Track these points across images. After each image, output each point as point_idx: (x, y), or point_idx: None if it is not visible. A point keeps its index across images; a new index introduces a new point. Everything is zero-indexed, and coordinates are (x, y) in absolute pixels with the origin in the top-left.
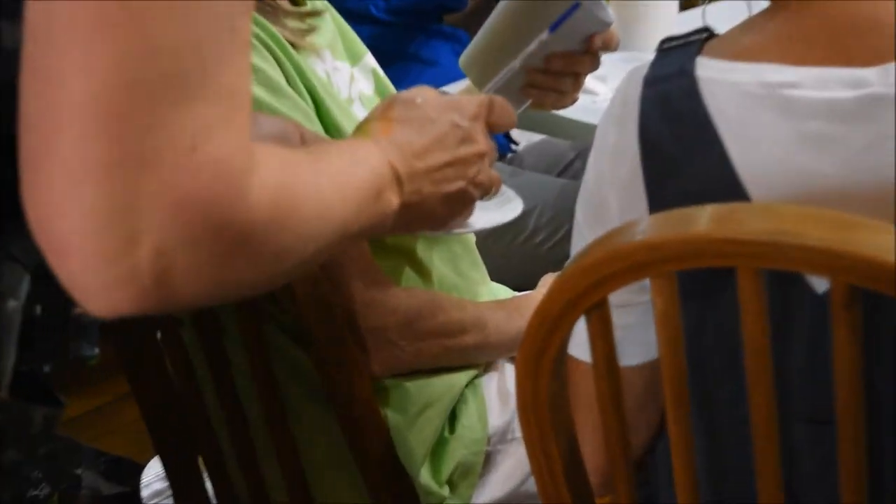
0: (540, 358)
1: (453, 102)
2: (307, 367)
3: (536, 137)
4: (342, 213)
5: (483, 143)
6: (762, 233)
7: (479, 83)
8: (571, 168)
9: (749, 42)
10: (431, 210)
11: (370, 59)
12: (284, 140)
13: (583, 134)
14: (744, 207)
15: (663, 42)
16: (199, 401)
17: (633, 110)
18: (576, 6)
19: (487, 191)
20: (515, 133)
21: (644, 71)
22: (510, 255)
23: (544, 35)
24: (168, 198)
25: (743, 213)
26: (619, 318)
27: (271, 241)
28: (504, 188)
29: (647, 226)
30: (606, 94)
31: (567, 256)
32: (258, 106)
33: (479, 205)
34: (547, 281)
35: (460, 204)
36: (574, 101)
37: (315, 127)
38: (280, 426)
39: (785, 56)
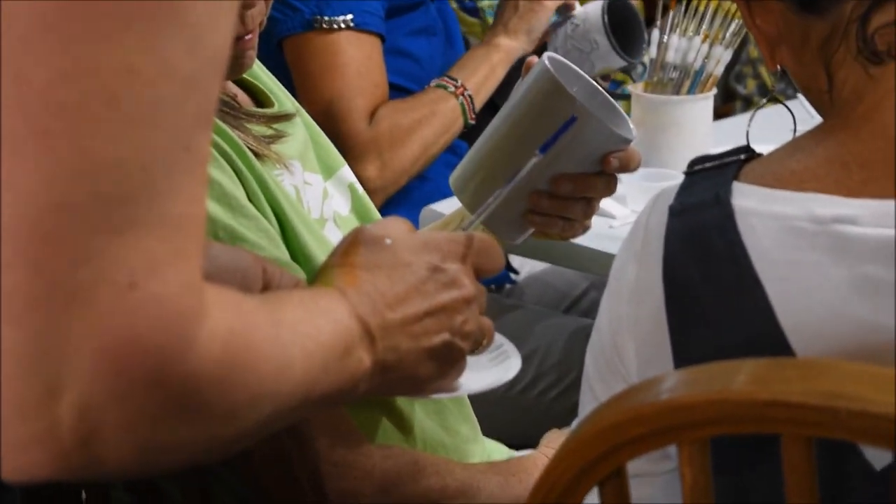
0: None
1: (430, 241)
2: None
3: (540, 265)
4: (305, 371)
5: (469, 286)
6: (814, 395)
7: (472, 207)
8: (582, 303)
9: (797, 166)
10: (413, 369)
11: (347, 173)
12: (243, 277)
13: (596, 264)
14: (791, 363)
15: (694, 163)
16: None
17: (657, 245)
18: (572, 120)
19: (479, 342)
20: (516, 260)
21: (670, 197)
22: (507, 407)
23: (536, 156)
24: (98, 342)
25: (790, 369)
26: (635, 492)
27: (219, 400)
28: (500, 339)
29: (674, 382)
30: (626, 217)
31: (575, 408)
32: (213, 227)
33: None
34: (552, 439)
35: (447, 360)
36: (585, 229)
37: (280, 253)
38: None
39: (840, 185)
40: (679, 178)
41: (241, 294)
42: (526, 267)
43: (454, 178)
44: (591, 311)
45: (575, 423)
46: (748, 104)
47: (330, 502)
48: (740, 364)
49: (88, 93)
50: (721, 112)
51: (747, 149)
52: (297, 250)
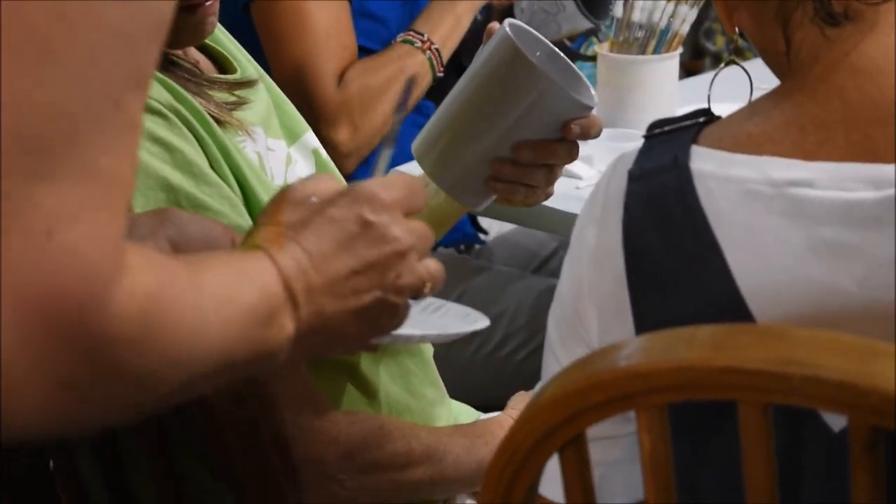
0: (505, 502)
1: (359, 194)
2: None
3: (509, 226)
4: (223, 338)
5: (403, 237)
6: (769, 362)
7: (434, 175)
8: (551, 263)
9: (754, 129)
10: (339, 331)
11: (311, 138)
12: (212, 247)
13: (563, 226)
14: (748, 330)
15: (653, 126)
16: None
17: (617, 209)
18: (545, 88)
19: (419, 291)
20: (485, 221)
21: (630, 161)
22: (475, 368)
23: (506, 123)
24: (9, 290)
25: (746, 336)
26: (600, 454)
27: (135, 361)
28: (467, 309)
29: (633, 349)
30: (592, 178)
31: None
32: (175, 195)
33: (435, 326)
34: (518, 401)
35: (380, 318)
36: (548, 196)
37: (243, 220)
38: None
39: (796, 148)
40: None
41: (164, 256)
42: (494, 228)
43: (416, 145)
44: (560, 271)
45: (537, 389)
46: (717, 60)
47: (295, 468)
48: (697, 331)
49: (18, 33)
50: (690, 68)
51: (706, 112)
52: None
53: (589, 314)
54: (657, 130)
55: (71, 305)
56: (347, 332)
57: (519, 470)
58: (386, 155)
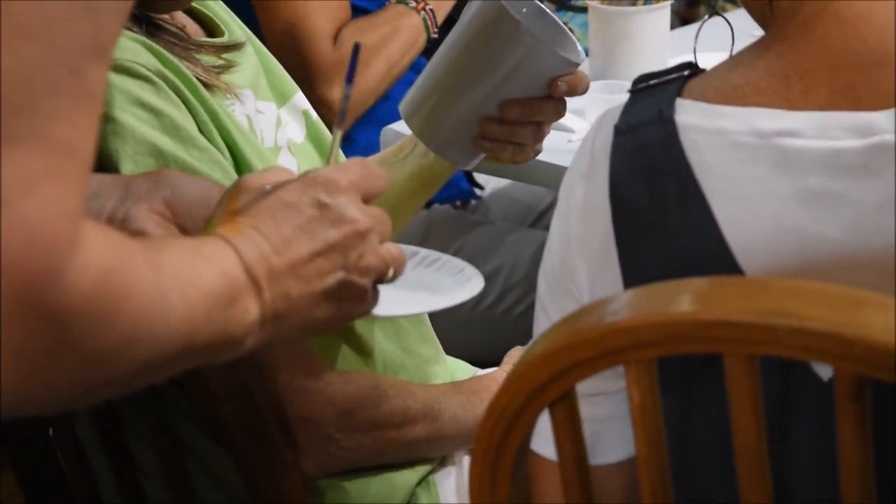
0: (497, 460)
1: (313, 178)
2: (228, 469)
3: (504, 181)
4: (185, 319)
5: (361, 218)
6: (755, 314)
7: (421, 135)
8: (547, 217)
9: (739, 80)
10: (308, 313)
11: (301, 100)
12: (209, 209)
13: (557, 179)
14: (733, 282)
15: (638, 81)
16: None
17: (603, 164)
18: (530, 46)
19: (383, 272)
20: (480, 177)
21: (615, 116)
22: (472, 323)
23: (492, 82)
24: None
25: (732, 289)
26: (591, 410)
27: (89, 338)
28: (462, 263)
29: (619, 305)
30: (584, 130)
31: None
32: (164, 160)
33: (428, 281)
34: (514, 356)
35: (346, 299)
36: (536, 153)
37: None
38: None
39: (781, 98)
40: None
41: (121, 234)
42: (491, 182)
43: (403, 105)
44: None
45: (528, 346)
46: (713, 9)
47: (292, 430)
48: (683, 284)
49: None
50: (685, 17)
51: (691, 65)
52: None
53: (578, 269)
54: (642, 85)
55: (22, 275)
56: (317, 316)
57: (510, 427)
58: (338, 135)
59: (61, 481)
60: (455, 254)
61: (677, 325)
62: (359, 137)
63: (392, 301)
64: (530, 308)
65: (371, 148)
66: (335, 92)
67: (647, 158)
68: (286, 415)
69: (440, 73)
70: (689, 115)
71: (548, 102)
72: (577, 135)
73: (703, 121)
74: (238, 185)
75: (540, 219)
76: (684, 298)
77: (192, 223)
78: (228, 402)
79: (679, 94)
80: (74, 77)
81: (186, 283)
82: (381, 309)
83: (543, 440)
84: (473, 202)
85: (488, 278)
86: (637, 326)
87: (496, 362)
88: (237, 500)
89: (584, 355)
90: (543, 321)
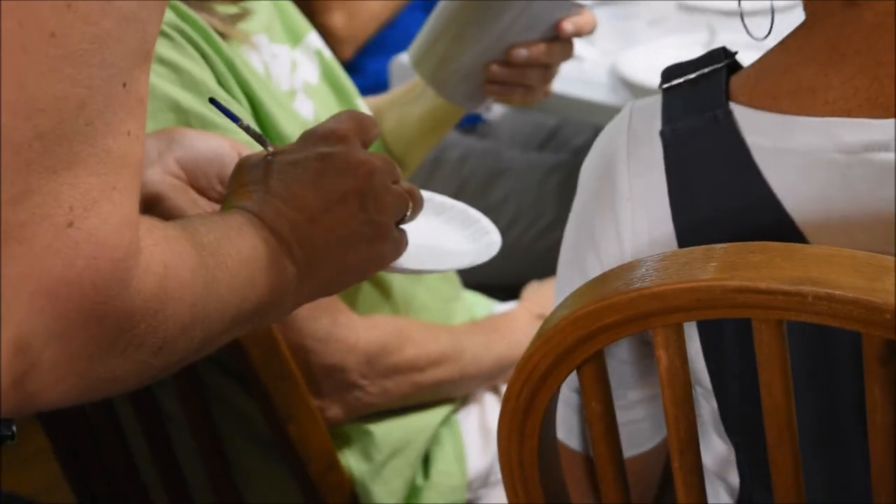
0: (525, 419)
1: (310, 134)
2: (255, 416)
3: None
4: (231, 290)
5: (368, 160)
6: (782, 280)
7: (430, 79)
8: (555, 140)
9: (804, 79)
10: (341, 259)
11: (314, 39)
12: (221, 165)
13: (568, 107)
14: (761, 248)
15: (668, 75)
16: (128, 459)
17: (660, 181)
18: None
19: (402, 209)
20: None
21: (652, 118)
22: None
23: (499, 26)
24: (36, 283)
25: (760, 255)
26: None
27: (153, 332)
28: (476, 214)
29: (645, 270)
30: (596, 59)
31: (554, 247)
32: (184, 116)
33: (445, 237)
34: (531, 292)
35: (375, 238)
36: (546, 95)
37: None
38: (225, 487)
39: (855, 98)
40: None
41: (163, 223)
42: (498, 106)
43: (411, 52)
44: (564, 147)
45: (553, 307)
46: None
47: (317, 378)
48: (711, 250)
49: (27, 29)
50: None
51: (725, 52)
52: (269, 129)
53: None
54: (676, 81)
55: (94, 290)
56: (349, 261)
57: (537, 388)
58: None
59: (92, 434)
60: (465, 178)
61: (706, 291)
62: (367, 66)
63: (416, 255)
64: (542, 233)
65: (380, 76)
66: (335, 18)
67: (713, 172)
68: (310, 362)
69: (446, 19)
70: (758, 135)
71: (555, 44)
72: (588, 62)
73: (778, 142)
74: (239, 164)
75: (548, 141)
76: (712, 265)
77: (206, 182)
78: (255, 350)
79: (726, 92)
80: (124, 89)
81: (227, 256)
82: (410, 262)
83: (569, 432)
84: (480, 125)
85: (497, 206)
86: (665, 293)
87: (507, 287)
88: (265, 447)
89: (613, 319)
90: (573, 273)
